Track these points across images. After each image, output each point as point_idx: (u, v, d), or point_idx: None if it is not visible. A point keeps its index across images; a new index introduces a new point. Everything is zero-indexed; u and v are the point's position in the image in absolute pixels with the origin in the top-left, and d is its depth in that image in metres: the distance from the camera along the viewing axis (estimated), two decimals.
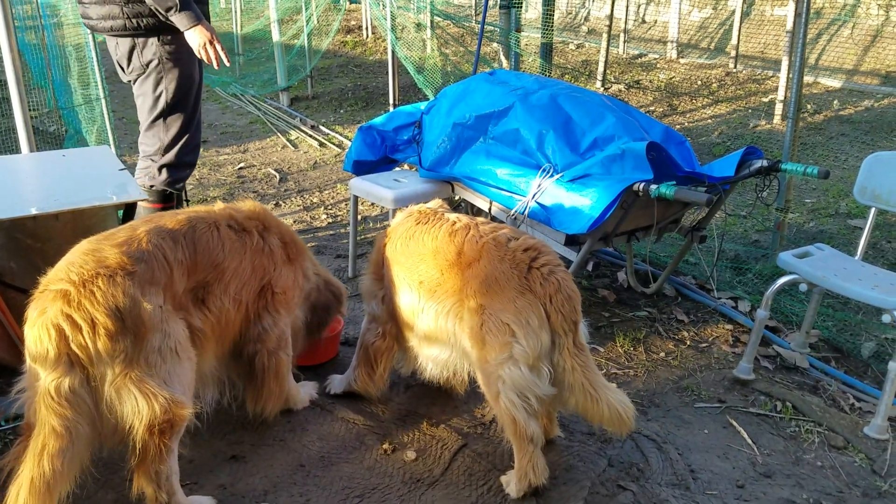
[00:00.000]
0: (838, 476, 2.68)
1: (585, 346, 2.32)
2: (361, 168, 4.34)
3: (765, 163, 3.46)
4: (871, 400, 3.15)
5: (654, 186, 3.06)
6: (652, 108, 8.76)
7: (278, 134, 7.73)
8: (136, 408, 2.16)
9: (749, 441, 2.85)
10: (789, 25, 7.15)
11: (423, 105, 4.35)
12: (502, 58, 5.68)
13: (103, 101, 5.82)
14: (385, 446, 2.73)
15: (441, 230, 2.59)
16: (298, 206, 5.66)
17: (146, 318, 2.17)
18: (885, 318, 2.86)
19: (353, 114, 8.74)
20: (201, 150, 6.37)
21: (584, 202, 3.28)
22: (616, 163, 3.29)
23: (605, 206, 3.14)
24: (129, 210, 3.11)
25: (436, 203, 2.96)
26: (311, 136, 7.59)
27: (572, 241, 3.50)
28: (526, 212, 3.57)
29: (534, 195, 3.55)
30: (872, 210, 3.32)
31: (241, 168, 6.61)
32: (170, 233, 2.41)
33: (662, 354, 3.48)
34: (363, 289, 3.00)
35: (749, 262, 4.40)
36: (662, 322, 3.80)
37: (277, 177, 6.33)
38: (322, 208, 5.58)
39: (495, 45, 5.71)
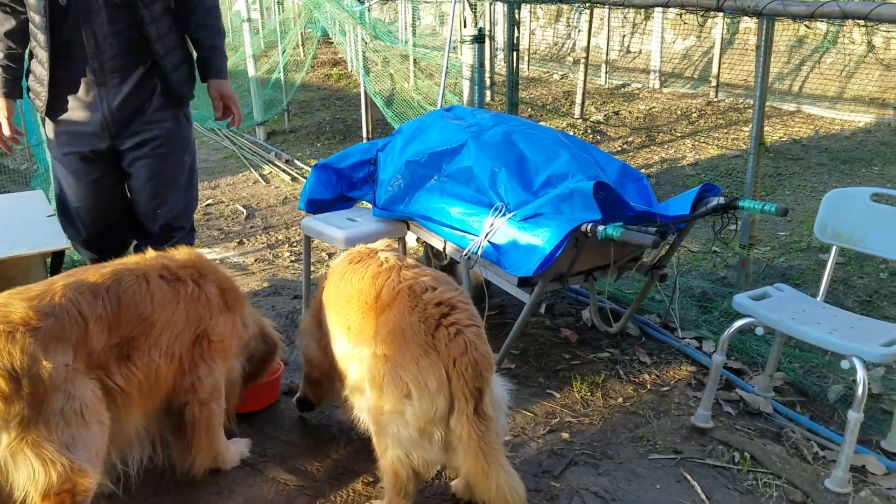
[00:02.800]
0: None
1: (489, 416, 2.18)
2: (316, 207, 4.22)
3: (722, 200, 3.35)
4: (835, 448, 3.00)
5: (601, 228, 2.95)
6: (630, 140, 8.71)
7: (251, 169, 7.65)
8: (31, 474, 2.02)
9: (703, 497, 2.69)
10: None
11: (380, 142, 4.26)
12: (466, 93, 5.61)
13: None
14: None
15: (368, 271, 2.48)
16: (263, 243, 5.54)
17: (46, 379, 2.03)
18: (844, 365, 2.72)
19: (330, 147, 8.67)
20: None
21: (535, 242, 3.17)
22: (566, 202, 3.18)
23: (552, 248, 3.02)
24: (56, 259, 2.99)
25: (382, 243, 2.84)
26: (284, 170, 7.50)
27: (526, 282, 3.37)
28: (479, 252, 3.46)
29: (486, 235, 3.43)
30: (834, 248, 3.21)
31: (208, 204, 6.50)
32: (90, 287, 2.29)
33: (620, 400, 3.34)
34: (301, 326, 2.89)
35: (716, 299, 4.27)
36: (624, 364, 3.66)
37: (245, 213, 6.23)
38: (286, 245, 5.46)
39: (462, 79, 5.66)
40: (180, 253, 2.67)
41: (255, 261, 5.15)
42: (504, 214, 3.41)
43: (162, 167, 3.25)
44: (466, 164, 3.61)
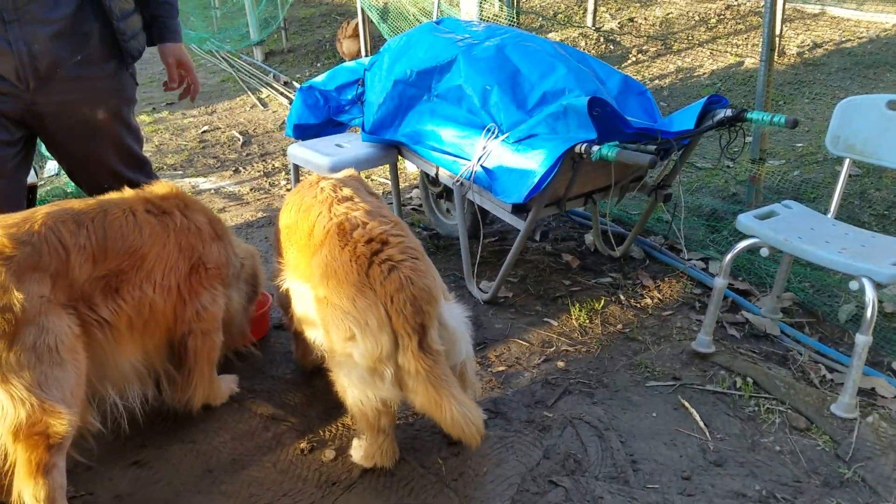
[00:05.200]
0: (797, 463, 2.44)
1: (435, 350, 2.10)
2: (304, 133, 4.06)
3: (729, 112, 3.13)
4: (844, 370, 2.89)
5: (595, 148, 2.76)
6: (645, 48, 8.30)
7: (248, 92, 7.42)
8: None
9: (701, 424, 2.61)
10: None
11: (366, 60, 4.03)
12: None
13: None
14: (303, 445, 2.52)
15: (303, 203, 2.40)
16: (259, 171, 5.40)
17: (18, 310, 1.95)
18: (853, 286, 2.58)
19: (330, 67, 8.37)
20: (167, 112, 6.10)
21: (528, 165, 3.00)
22: (560, 121, 2.98)
23: (544, 173, 2.85)
24: (29, 195, 2.89)
25: (346, 173, 2.69)
26: (282, 93, 7.27)
27: (520, 208, 3.21)
28: (472, 178, 3.29)
29: (479, 159, 3.26)
30: (846, 161, 3.00)
31: (204, 131, 6.34)
32: (74, 215, 2.19)
33: (620, 326, 3.23)
34: (273, 268, 2.80)
35: (726, 217, 4.08)
36: (626, 289, 3.53)
37: (241, 140, 6.06)
38: (283, 173, 5.31)
39: None
40: (158, 187, 2.56)
41: (251, 190, 5.02)
42: (497, 136, 3.22)
43: (99, 144, 2.65)
44: (456, 82, 3.40)
